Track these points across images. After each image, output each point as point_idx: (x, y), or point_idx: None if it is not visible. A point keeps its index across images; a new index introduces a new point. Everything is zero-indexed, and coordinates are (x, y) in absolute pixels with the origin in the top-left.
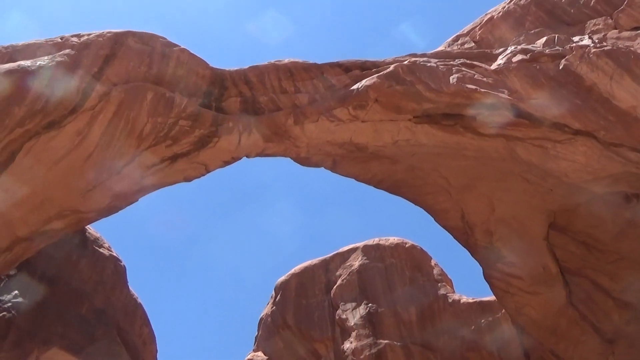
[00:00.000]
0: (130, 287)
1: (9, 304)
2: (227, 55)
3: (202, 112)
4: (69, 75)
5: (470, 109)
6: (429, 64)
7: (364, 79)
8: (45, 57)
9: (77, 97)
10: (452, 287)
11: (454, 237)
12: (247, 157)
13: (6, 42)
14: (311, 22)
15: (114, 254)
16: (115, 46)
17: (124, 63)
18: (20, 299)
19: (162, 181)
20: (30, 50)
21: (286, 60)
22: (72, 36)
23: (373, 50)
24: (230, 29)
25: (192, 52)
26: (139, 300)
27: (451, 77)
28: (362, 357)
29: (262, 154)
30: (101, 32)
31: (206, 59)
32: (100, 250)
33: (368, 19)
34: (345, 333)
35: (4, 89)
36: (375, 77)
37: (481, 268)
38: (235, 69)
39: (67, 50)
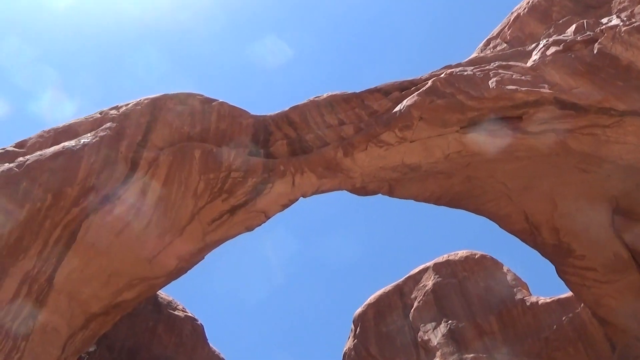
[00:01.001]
0: (210, 344)
1: None
2: (226, 79)
3: (251, 161)
4: (114, 148)
5: (515, 110)
6: (465, 73)
7: (404, 99)
8: (88, 135)
9: (126, 167)
10: (527, 290)
11: (522, 240)
12: (304, 197)
13: (5, 69)
14: (309, 47)
15: (190, 314)
16: (154, 111)
17: (167, 126)
18: None
19: (225, 235)
20: (72, 130)
21: (325, 95)
22: (111, 109)
23: (372, 73)
24: (230, 54)
25: (230, 103)
26: (222, 355)
27: (490, 82)
28: None
29: (317, 191)
30: (138, 100)
31: (206, 83)
32: (176, 312)
33: (364, 43)
34: (430, 353)
35: (54, 171)
36: (415, 95)
37: (554, 266)
38: (276, 112)
39: (107, 124)
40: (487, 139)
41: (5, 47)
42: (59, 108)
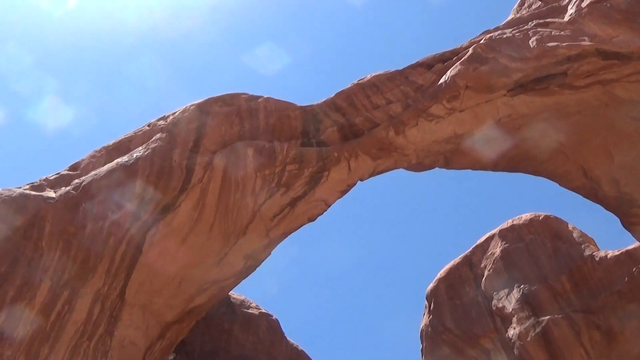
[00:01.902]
0: (288, 338)
1: None
2: (224, 86)
3: (305, 152)
4: (168, 157)
5: (559, 66)
6: (505, 36)
7: (447, 70)
8: (140, 148)
9: (181, 175)
10: (595, 245)
11: (583, 196)
12: (361, 180)
13: (3, 75)
14: (306, 53)
15: (264, 311)
16: (202, 116)
17: (216, 129)
18: None
19: (288, 228)
20: (123, 146)
21: (368, 77)
22: (158, 120)
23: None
24: (227, 61)
25: (275, 98)
26: (300, 347)
27: (530, 42)
28: (528, 339)
29: (374, 173)
30: (184, 107)
31: (204, 89)
32: (250, 311)
33: (362, 48)
34: (506, 321)
35: (111, 188)
36: (458, 65)
37: (618, 218)
38: (322, 100)
39: (157, 135)
40: (536, 100)
41: (2, 54)
42: (57, 115)
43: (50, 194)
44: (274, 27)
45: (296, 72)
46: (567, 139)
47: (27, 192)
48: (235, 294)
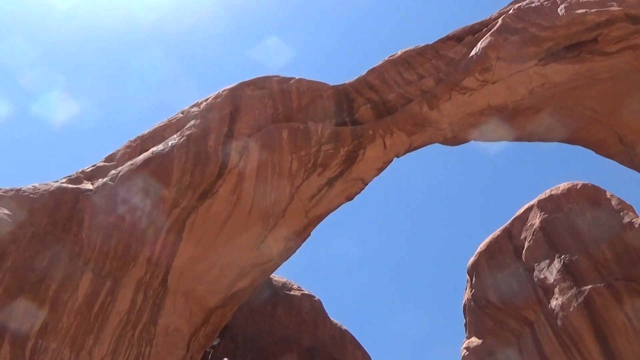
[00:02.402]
0: (331, 318)
1: None
2: (230, 80)
3: (339, 131)
4: (203, 144)
5: (589, 33)
6: (533, 5)
7: (478, 42)
8: (175, 136)
9: (218, 161)
10: (634, 212)
11: (619, 162)
12: (397, 157)
13: (8, 69)
14: (311, 47)
15: (306, 292)
16: (235, 101)
17: (250, 113)
18: None
19: (327, 208)
20: (157, 135)
21: (399, 52)
22: (191, 107)
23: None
24: (233, 55)
25: (307, 78)
26: (343, 326)
27: (559, 9)
28: (571, 309)
29: (410, 149)
30: (216, 93)
31: (210, 84)
32: (292, 292)
33: (366, 41)
34: (548, 292)
35: (148, 178)
36: (488, 36)
37: None
38: (354, 79)
39: (192, 122)
40: (567, 68)
41: (8, 47)
42: (62, 109)
43: (88, 186)
44: (279, 21)
45: (301, 66)
46: (601, 107)
47: (65, 185)
48: (277, 276)
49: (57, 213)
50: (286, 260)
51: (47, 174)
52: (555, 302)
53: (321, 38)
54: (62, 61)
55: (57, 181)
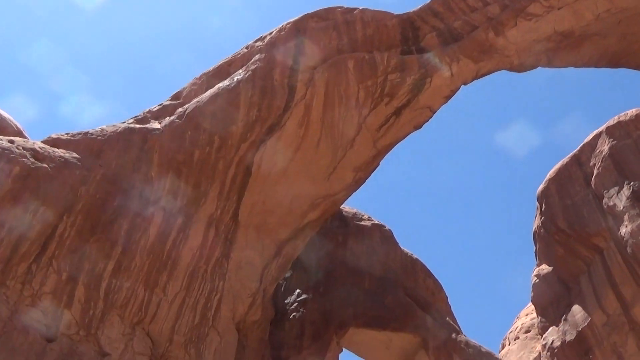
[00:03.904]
0: (401, 247)
1: (296, 304)
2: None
3: (406, 60)
4: (269, 78)
5: None
6: None
7: None
8: (240, 71)
9: (284, 94)
10: None
11: None
12: (464, 84)
13: (36, 71)
14: None
15: (376, 222)
16: (299, 34)
17: (315, 45)
18: (304, 296)
19: (395, 137)
20: (223, 71)
21: None
22: (256, 42)
23: None
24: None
25: (371, 8)
26: (414, 255)
27: None
28: None
29: (477, 76)
30: (280, 26)
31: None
32: (362, 223)
33: None
34: (618, 219)
35: (215, 114)
36: None
37: None
38: (419, 7)
39: (257, 57)
40: None
41: (36, 50)
42: (89, 111)
43: (155, 125)
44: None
45: None
46: None
47: (132, 125)
48: (347, 207)
49: (126, 153)
50: (356, 190)
51: None
52: (624, 230)
53: None
54: (89, 63)
55: (125, 122)
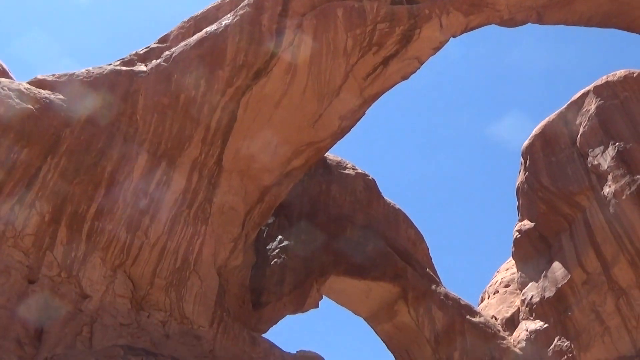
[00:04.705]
0: (384, 197)
1: (277, 250)
2: None
3: (395, 10)
4: (257, 23)
5: None
6: None
7: None
8: (228, 16)
9: (272, 39)
10: None
11: None
12: (453, 37)
13: (30, 63)
14: None
15: (360, 171)
16: None
17: None
18: (285, 242)
19: (382, 87)
20: (211, 15)
21: None
22: None
23: None
24: None
25: None
26: (397, 206)
27: None
28: (623, 197)
29: (466, 29)
30: None
31: None
32: (346, 171)
33: None
34: (602, 178)
35: (202, 57)
36: None
37: None
38: None
39: (245, 2)
40: None
41: (30, 41)
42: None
43: (142, 67)
44: None
45: None
46: None
47: (119, 67)
48: (332, 155)
49: (111, 95)
50: (341, 139)
51: None
52: (608, 189)
53: None
54: (84, 56)
55: (111, 64)
